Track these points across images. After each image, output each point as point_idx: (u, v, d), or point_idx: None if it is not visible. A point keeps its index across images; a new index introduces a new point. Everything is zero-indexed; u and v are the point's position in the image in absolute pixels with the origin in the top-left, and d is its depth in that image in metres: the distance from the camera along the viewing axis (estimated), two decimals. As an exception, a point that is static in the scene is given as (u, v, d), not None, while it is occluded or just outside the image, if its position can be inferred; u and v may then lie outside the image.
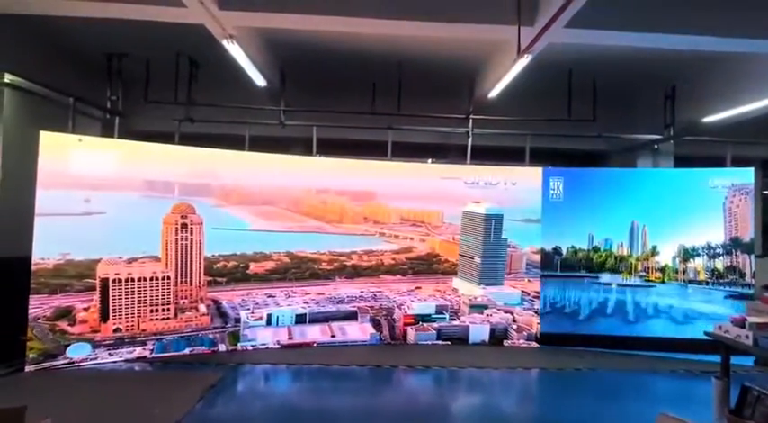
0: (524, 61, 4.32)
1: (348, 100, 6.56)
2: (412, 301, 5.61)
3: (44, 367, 4.19)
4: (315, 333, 5.33)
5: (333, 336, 5.35)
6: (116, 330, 4.57)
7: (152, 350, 4.68)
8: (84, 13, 4.44)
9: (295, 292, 5.39)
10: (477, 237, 5.70)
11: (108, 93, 6.30)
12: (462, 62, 5.96)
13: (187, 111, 6.43)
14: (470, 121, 6.74)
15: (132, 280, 4.63)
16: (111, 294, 4.53)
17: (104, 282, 4.51)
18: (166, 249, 4.82)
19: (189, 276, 4.94)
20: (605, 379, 4.67)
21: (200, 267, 4.98)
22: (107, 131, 6.38)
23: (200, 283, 4.99)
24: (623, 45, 4.93)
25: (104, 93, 6.29)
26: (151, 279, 4.73)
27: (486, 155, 7.11)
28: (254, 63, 5.20)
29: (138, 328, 4.65)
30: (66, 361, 4.29)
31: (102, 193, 4.53)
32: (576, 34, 4.33)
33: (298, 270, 5.42)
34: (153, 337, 4.71)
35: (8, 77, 4.64)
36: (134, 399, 3.68)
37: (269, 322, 5.20)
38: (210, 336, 4.96)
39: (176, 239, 4.87)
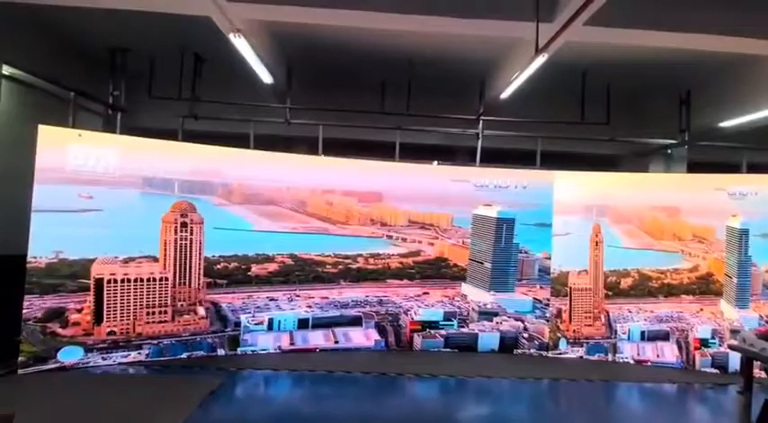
0: (541, 60, 4.16)
1: (356, 99, 6.43)
2: (419, 306, 5.42)
3: (36, 370, 4.01)
4: (318, 338, 5.14)
5: (336, 342, 5.17)
6: (110, 333, 4.39)
7: (148, 354, 4.50)
8: (91, 4, 4.30)
9: (298, 296, 5.21)
10: (487, 241, 5.51)
11: (111, 88, 6.16)
12: (474, 61, 5.82)
13: (191, 107, 6.29)
14: (480, 122, 6.59)
15: (128, 281, 4.46)
16: (105, 295, 4.35)
17: (99, 282, 4.33)
18: (165, 249, 4.66)
19: (188, 278, 4.76)
20: (619, 391, 4.48)
21: (199, 268, 4.81)
22: (109, 127, 6.24)
23: (199, 284, 4.82)
24: (640, 46, 4.78)
25: (107, 88, 6.16)
26: (148, 280, 4.55)
27: (495, 157, 6.95)
28: (261, 59, 5.06)
29: (134, 332, 4.48)
30: (56, 365, 4.11)
31: (98, 190, 4.37)
32: (596, 32, 4.18)
33: (301, 273, 5.25)
34: (149, 341, 4.53)
35: (6, 69, 4.50)
36: (131, 404, 3.50)
37: (270, 327, 5.02)
38: (209, 340, 4.78)
39: (175, 239, 4.71)
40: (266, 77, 5.61)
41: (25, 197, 4.11)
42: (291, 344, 5.04)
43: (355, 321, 5.27)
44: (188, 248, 4.75)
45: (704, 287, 5.43)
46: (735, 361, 5.01)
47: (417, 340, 5.31)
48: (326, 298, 5.26)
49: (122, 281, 4.44)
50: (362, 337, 5.23)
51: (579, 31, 3.98)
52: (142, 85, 6.21)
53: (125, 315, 4.45)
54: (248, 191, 5.16)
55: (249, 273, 5.06)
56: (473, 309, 5.43)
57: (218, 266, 4.94)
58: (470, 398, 4.21)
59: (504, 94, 5.58)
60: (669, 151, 7.18)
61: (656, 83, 6.36)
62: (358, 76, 6.41)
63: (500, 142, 6.92)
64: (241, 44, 4.59)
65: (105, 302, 4.35)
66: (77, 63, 5.95)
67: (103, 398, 3.65)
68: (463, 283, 5.53)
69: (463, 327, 5.40)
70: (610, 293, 5.52)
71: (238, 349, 4.86)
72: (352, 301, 5.32)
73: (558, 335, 5.45)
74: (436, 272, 5.54)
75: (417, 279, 5.50)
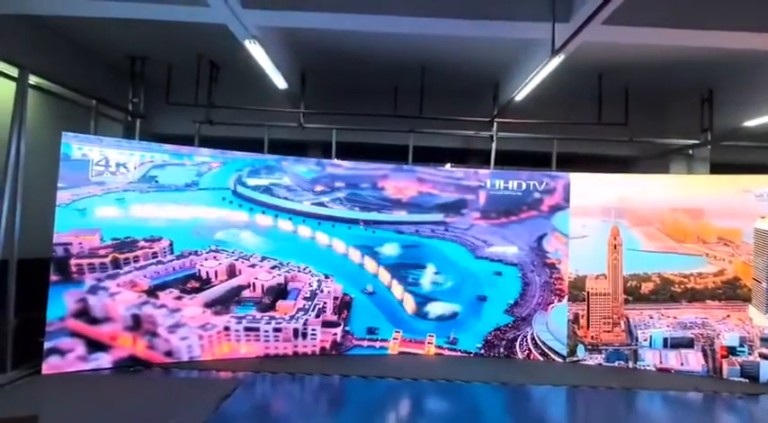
0: (557, 60, 4.09)
1: (369, 103, 6.44)
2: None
3: (61, 371, 4.12)
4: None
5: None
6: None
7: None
8: (107, 14, 4.42)
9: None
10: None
11: (130, 95, 6.32)
12: (488, 64, 5.77)
13: (207, 113, 6.40)
14: (495, 124, 6.52)
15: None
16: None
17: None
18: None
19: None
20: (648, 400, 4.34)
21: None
22: (129, 133, 6.40)
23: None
24: (660, 44, 4.66)
25: (127, 95, 6.32)
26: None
27: (510, 160, 6.86)
28: (276, 65, 5.11)
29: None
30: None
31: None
32: (615, 32, 4.09)
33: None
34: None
35: (32, 79, 4.64)
36: (151, 404, 3.56)
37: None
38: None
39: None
40: (280, 83, 5.67)
41: (49, 202, 4.23)
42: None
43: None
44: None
45: (731, 292, 5.20)
46: (766, 370, 4.83)
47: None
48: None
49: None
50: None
51: (597, 30, 3.89)
52: (160, 92, 6.35)
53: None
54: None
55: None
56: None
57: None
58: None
59: (520, 96, 5.51)
60: (691, 152, 6.98)
61: (677, 82, 6.19)
62: (371, 80, 6.42)
63: (515, 145, 6.83)
64: (256, 51, 4.65)
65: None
66: (98, 72, 6.12)
67: (122, 398, 3.72)
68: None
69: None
70: (630, 298, 5.37)
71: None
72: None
73: (576, 341, 5.33)
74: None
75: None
